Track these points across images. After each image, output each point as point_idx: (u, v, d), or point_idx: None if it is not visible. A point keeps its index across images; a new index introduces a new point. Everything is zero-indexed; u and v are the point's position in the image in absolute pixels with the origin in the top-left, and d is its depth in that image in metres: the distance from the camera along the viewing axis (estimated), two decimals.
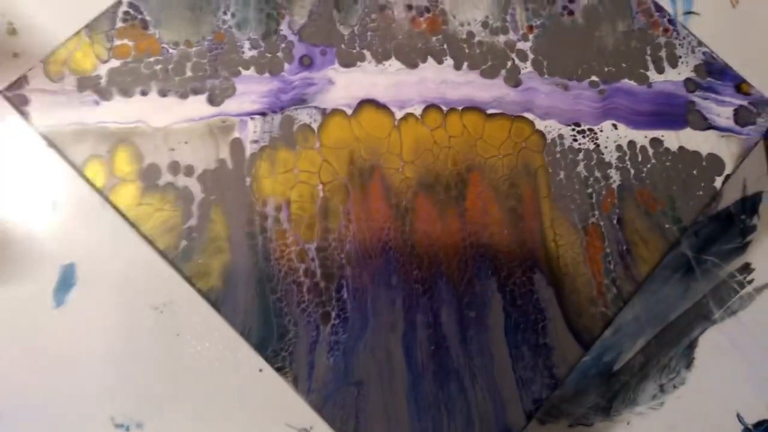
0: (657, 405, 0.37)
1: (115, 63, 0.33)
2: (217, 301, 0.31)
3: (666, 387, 0.38)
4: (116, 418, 0.34)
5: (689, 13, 0.44)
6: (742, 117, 0.36)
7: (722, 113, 0.36)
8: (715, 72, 0.37)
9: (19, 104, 0.32)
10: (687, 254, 0.40)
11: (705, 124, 0.36)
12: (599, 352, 0.37)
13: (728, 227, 0.40)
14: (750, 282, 0.40)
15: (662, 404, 0.37)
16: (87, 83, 0.33)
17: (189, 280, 0.31)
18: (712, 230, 0.40)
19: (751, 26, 0.44)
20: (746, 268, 0.40)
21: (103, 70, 0.33)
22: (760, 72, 0.42)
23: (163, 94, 0.33)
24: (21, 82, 0.33)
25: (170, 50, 0.34)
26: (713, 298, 0.39)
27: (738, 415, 0.37)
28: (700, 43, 0.37)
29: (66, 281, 0.35)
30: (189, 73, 0.33)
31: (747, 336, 0.39)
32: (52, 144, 0.32)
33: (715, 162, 0.35)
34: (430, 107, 0.34)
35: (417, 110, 0.34)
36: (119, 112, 0.32)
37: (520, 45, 0.36)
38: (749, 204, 0.41)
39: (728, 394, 0.38)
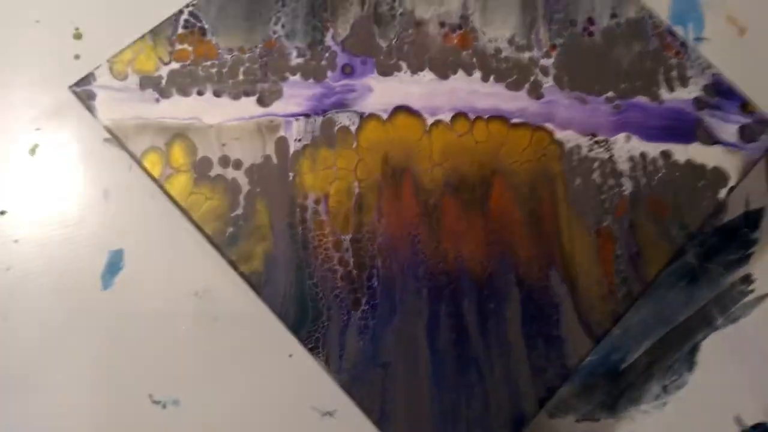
0: (660, 405, 0.39)
1: (175, 65, 0.36)
2: (258, 284, 0.34)
3: (669, 388, 0.40)
4: (154, 394, 0.37)
5: (699, 38, 0.47)
6: (746, 134, 0.39)
7: (728, 130, 0.39)
8: (722, 92, 0.40)
9: (86, 98, 0.36)
10: (692, 263, 0.42)
11: (712, 139, 0.39)
12: (607, 352, 0.40)
13: (731, 239, 0.43)
14: (751, 291, 0.42)
15: (665, 404, 0.39)
16: (149, 82, 0.36)
17: (233, 263, 0.34)
18: (716, 241, 0.43)
19: (756, 54, 0.47)
20: (748, 279, 0.42)
21: (164, 71, 0.36)
22: (762, 94, 0.45)
23: (217, 94, 0.36)
24: (89, 78, 0.36)
25: (225, 55, 0.37)
26: (716, 306, 0.41)
27: (736, 417, 0.40)
28: (709, 66, 0.40)
29: (113, 266, 0.38)
30: (241, 77, 0.37)
31: (747, 342, 0.41)
32: (114, 136, 0.35)
33: (720, 175, 0.38)
34: (459, 115, 0.37)
35: (446, 117, 0.37)
36: (177, 109, 0.36)
37: (543, 61, 0.39)
38: (752, 218, 0.44)
39: (728, 397, 0.40)
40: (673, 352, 0.40)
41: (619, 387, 0.39)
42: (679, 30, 0.47)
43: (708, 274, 0.42)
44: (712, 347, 0.41)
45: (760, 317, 0.41)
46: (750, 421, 0.39)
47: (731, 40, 0.47)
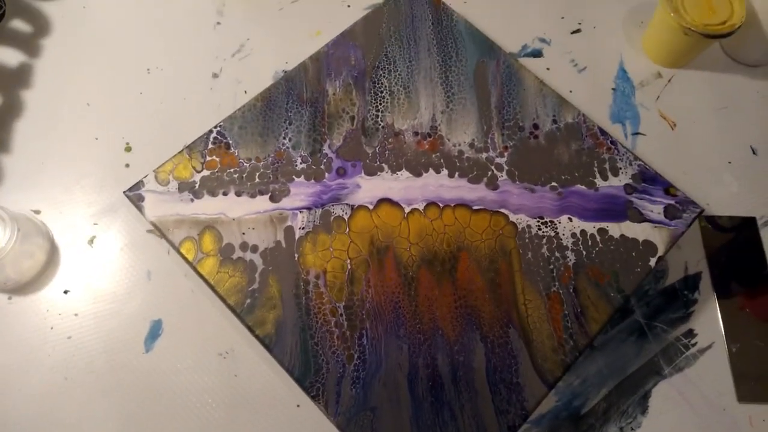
0: None
1: (206, 173, 0.47)
2: (270, 344, 0.42)
3: (625, 429, 0.46)
4: None
5: (637, 134, 0.56)
6: (670, 213, 0.47)
7: (654, 210, 0.47)
8: (648, 179, 0.49)
9: (137, 200, 0.46)
10: (640, 321, 0.49)
11: (641, 218, 0.47)
12: (569, 398, 0.46)
13: (674, 300, 0.50)
14: (694, 344, 0.49)
15: None
16: (185, 186, 0.46)
17: (250, 328, 0.42)
18: (660, 302, 0.50)
19: (685, 144, 0.56)
20: (690, 333, 0.49)
21: (197, 178, 0.46)
22: (690, 179, 0.54)
23: (238, 194, 0.46)
24: (139, 185, 0.46)
25: (245, 164, 0.47)
26: (663, 357, 0.48)
27: None
28: (636, 158, 0.49)
29: (154, 332, 0.46)
30: (257, 180, 0.47)
31: (692, 388, 0.47)
32: (158, 229, 0.45)
33: (649, 246, 0.46)
34: (431, 204, 0.47)
35: (420, 206, 0.47)
36: (207, 207, 0.45)
37: (498, 160, 0.49)
38: (691, 281, 0.51)
39: None
40: (628, 398, 0.47)
41: (580, 429, 0.46)
42: (618, 127, 0.56)
43: (654, 330, 0.49)
44: (662, 393, 0.47)
45: (702, 367, 0.48)
46: None
47: (665, 134, 0.57)
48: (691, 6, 0.54)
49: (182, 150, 0.47)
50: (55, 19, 0.59)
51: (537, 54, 0.59)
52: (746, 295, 0.50)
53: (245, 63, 0.57)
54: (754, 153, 0.56)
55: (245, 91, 0.55)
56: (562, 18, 0.62)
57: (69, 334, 0.46)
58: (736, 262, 0.51)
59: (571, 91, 0.58)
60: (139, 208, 0.45)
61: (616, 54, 0.60)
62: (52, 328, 0.46)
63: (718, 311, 0.50)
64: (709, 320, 0.49)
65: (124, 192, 0.46)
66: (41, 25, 0.58)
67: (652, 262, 0.46)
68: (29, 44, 0.57)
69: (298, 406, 0.45)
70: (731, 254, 0.52)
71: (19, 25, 0.58)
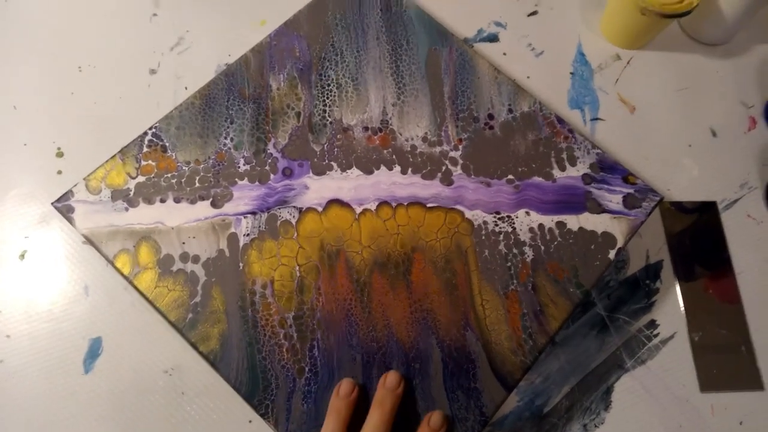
0: None
1: (141, 179, 0.44)
2: (215, 361, 0.40)
3: (588, 426, 0.45)
4: None
5: (596, 119, 0.55)
6: (629, 202, 0.46)
7: (613, 200, 0.46)
8: (606, 168, 0.47)
9: (66, 212, 0.42)
10: (602, 314, 0.48)
11: (600, 209, 0.46)
12: (531, 398, 0.45)
13: (635, 290, 0.49)
14: (656, 336, 0.48)
15: None
16: (119, 195, 0.43)
17: (194, 345, 0.40)
18: (622, 293, 0.49)
19: (644, 129, 0.54)
20: (652, 324, 0.48)
21: (132, 185, 0.43)
22: (650, 164, 0.53)
23: (177, 200, 0.43)
24: (68, 195, 0.43)
25: (183, 167, 0.44)
26: (625, 350, 0.47)
27: None
28: (594, 146, 0.48)
29: (93, 351, 0.44)
30: (197, 184, 0.44)
31: (655, 380, 0.46)
32: (90, 242, 0.42)
33: (608, 238, 0.45)
34: (383, 204, 0.44)
35: (372, 206, 0.44)
36: (143, 216, 0.42)
37: (452, 153, 0.47)
38: (652, 270, 0.50)
39: (641, 430, 0.45)
40: (591, 394, 0.46)
41: (543, 428, 0.45)
42: (576, 113, 0.55)
43: (616, 323, 0.48)
44: (625, 387, 0.46)
45: (665, 358, 0.47)
46: None
47: (624, 118, 0.55)
48: None
49: (115, 155, 0.44)
50: None
51: (493, 39, 0.57)
52: (708, 278, 0.50)
53: (185, 57, 0.54)
54: (714, 135, 0.55)
55: (186, 88, 0.52)
56: (518, 0, 0.60)
57: (1, 357, 0.43)
58: (697, 248, 0.51)
59: (528, 77, 0.56)
60: (69, 220, 0.42)
61: (574, 36, 0.58)
62: None
63: (680, 299, 0.49)
64: (671, 309, 0.49)
65: (52, 203, 0.43)
66: None
67: (612, 254, 0.44)
68: None
69: (250, 421, 0.43)
70: (692, 240, 0.51)
71: None
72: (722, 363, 0.47)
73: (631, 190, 0.46)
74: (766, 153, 0.55)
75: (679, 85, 0.57)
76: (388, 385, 0.38)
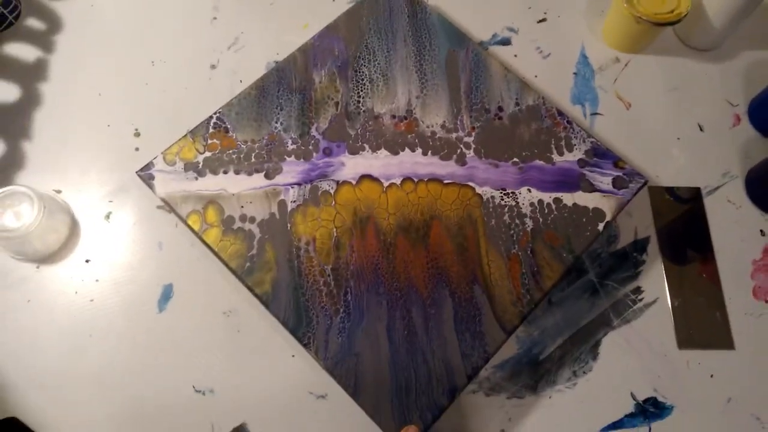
0: (571, 385, 0.52)
1: (208, 154, 0.53)
2: (268, 301, 0.49)
3: (578, 372, 0.52)
4: (196, 386, 0.50)
5: (595, 114, 0.63)
6: (618, 183, 0.54)
7: (604, 181, 0.54)
8: (599, 154, 0.55)
9: (147, 179, 0.52)
10: (593, 280, 0.56)
11: (592, 188, 0.53)
12: (529, 347, 0.53)
13: (624, 261, 0.57)
14: (641, 300, 0.55)
15: (575, 385, 0.52)
16: (190, 166, 0.52)
17: (250, 288, 0.49)
18: (612, 263, 0.56)
19: (638, 123, 0.62)
20: (637, 290, 0.56)
21: (200, 159, 0.53)
22: (642, 153, 0.60)
23: (237, 172, 0.52)
24: (149, 165, 0.52)
25: (242, 146, 0.53)
26: (613, 311, 0.55)
27: (631, 393, 0.52)
28: (589, 135, 0.56)
29: (166, 295, 0.53)
30: (253, 159, 0.53)
31: (638, 337, 0.54)
32: (167, 204, 0.51)
33: (598, 213, 0.53)
34: (407, 179, 0.53)
35: (398, 181, 0.53)
36: (209, 184, 0.52)
37: (466, 139, 0.55)
38: (639, 245, 0.57)
39: (624, 378, 0.52)
40: (581, 346, 0.53)
41: (539, 373, 0.52)
42: (578, 108, 0.63)
43: (606, 288, 0.56)
44: (611, 342, 0.54)
45: (648, 319, 0.54)
46: (641, 397, 0.52)
47: (621, 113, 0.63)
48: None
49: (186, 134, 0.54)
50: (66, 17, 0.64)
51: (506, 42, 0.65)
52: (690, 253, 0.57)
53: (240, 55, 0.63)
54: (700, 129, 0.62)
55: (240, 81, 0.61)
56: (529, 8, 0.68)
57: (91, 297, 0.52)
58: (681, 227, 0.58)
59: (536, 76, 0.64)
60: (150, 186, 0.51)
61: (578, 41, 0.66)
62: (76, 292, 0.53)
63: (663, 271, 0.56)
64: (655, 278, 0.56)
65: (136, 172, 0.52)
66: (54, 23, 0.64)
67: (600, 226, 0.52)
68: (44, 41, 0.63)
69: (293, 356, 0.51)
70: (677, 220, 0.58)
71: (33, 23, 0.64)
72: (698, 325, 0.54)
73: (620, 173, 0.54)
74: (748, 146, 0.62)
75: (671, 85, 0.64)
76: None
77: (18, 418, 0.47)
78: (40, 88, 0.61)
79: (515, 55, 0.65)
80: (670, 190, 0.59)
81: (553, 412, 0.51)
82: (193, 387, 0.50)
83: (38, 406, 0.49)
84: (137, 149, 0.58)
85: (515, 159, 0.54)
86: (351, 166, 0.53)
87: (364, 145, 0.54)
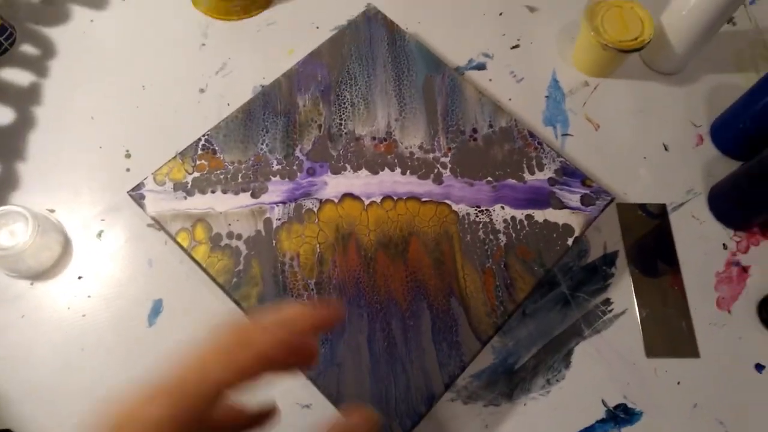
0: (545, 393, 0.54)
1: (196, 174, 0.55)
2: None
3: (551, 381, 0.55)
4: None
5: (566, 135, 0.66)
6: (586, 200, 0.57)
7: (573, 198, 0.57)
8: (568, 173, 0.58)
9: (138, 198, 0.54)
10: (565, 292, 0.59)
11: (561, 205, 0.57)
12: (504, 357, 0.55)
13: (594, 274, 0.60)
14: (610, 311, 0.58)
15: (549, 392, 0.54)
16: (179, 186, 0.55)
17: (237, 302, 0.51)
18: (582, 276, 0.59)
19: (607, 143, 0.65)
20: (607, 302, 0.58)
21: (189, 179, 0.55)
22: (611, 172, 0.63)
23: (224, 192, 0.55)
24: (140, 185, 0.55)
25: (229, 166, 0.56)
26: (584, 321, 0.58)
27: (602, 400, 0.54)
28: (559, 155, 0.59)
29: (156, 310, 0.55)
30: (240, 179, 0.55)
31: (608, 347, 0.56)
32: (157, 222, 0.53)
33: (568, 229, 0.56)
34: (386, 197, 0.56)
35: (378, 199, 0.56)
36: (198, 203, 0.54)
37: (443, 159, 0.58)
38: (609, 258, 0.60)
39: (595, 386, 0.55)
40: (554, 355, 0.56)
41: (514, 381, 0.55)
42: (550, 129, 0.66)
43: (577, 300, 0.59)
44: (583, 351, 0.56)
45: (617, 329, 0.57)
46: (612, 403, 0.54)
47: (590, 134, 0.66)
48: (608, 25, 0.64)
49: (175, 156, 0.56)
50: (60, 44, 0.67)
51: (481, 67, 0.69)
52: (657, 266, 0.60)
53: (228, 79, 0.66)
54: (666, 149, 0.66)
55: (228, 104, 0.64)
56: (504, 35, 0.71)
57: (83, 312, 0.54)
58: (647, 241, 0.61)
59: (510, 99, 0.67)
60: (141, 205, 0.54)
61: (549, 66, 0.70)
62: (68, 308, 0.54)
63: (632, 283, 0.59)
64: (624, 290, 0.59)
65: (127, 192, 0.55)
66: (48, 49, 0.67)
67: (570, 241, 0.55)
68: (38, 66, 0.65)
69: None
70: (646, 235, 0.61)
71: (28, 49, 0.66)
72: (665, 335, 0.57)
73: (587, 191, 0.57)
74: (711, 165, 0.65)
75: (637, 107, 0.68)
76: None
77: (13, 431, 0.49)
78: (34, 111, 0.63)
79: (490, 79, 0.68)
80: (643, 206, 0.63)
81: (527, 418, 0.53)
82: None
83: (33, 418, 0.50)
84: (128, 170, 0.61)
85: (489, 178, 0.57)
86: (333, 185, 0.56)
87: (346, 165, 0.57)
